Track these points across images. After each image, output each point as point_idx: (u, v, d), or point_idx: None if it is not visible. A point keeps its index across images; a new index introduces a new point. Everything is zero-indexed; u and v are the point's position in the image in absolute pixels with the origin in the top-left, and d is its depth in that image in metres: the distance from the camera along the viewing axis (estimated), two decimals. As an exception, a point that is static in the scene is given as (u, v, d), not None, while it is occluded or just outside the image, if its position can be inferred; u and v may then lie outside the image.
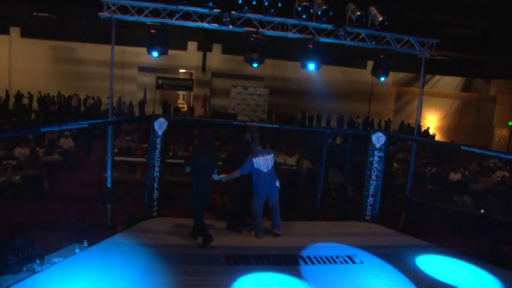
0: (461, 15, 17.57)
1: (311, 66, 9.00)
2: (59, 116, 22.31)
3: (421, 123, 24.54)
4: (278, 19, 8.62)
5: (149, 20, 8.40)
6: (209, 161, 7.25)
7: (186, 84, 27.20)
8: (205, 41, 26.39)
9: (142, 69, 26.60)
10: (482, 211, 10.29)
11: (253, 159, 7.44)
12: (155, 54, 8.42)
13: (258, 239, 7.60)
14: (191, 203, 7.21)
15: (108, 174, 8.21)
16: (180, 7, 8.19)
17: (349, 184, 10.59)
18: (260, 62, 8.82)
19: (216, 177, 7.31)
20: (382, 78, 9.54)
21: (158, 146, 8.25)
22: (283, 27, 8.77)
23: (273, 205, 7.74)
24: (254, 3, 8.26)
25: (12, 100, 24.65)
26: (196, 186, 7.12)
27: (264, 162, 7.49)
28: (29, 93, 24.63)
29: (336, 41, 8.99)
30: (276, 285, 6.02)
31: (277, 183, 7.75)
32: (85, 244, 6.99)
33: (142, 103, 26.15)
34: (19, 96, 24.45)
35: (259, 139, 7.74)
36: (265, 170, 7.49)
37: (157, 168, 8.29)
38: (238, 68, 25.68)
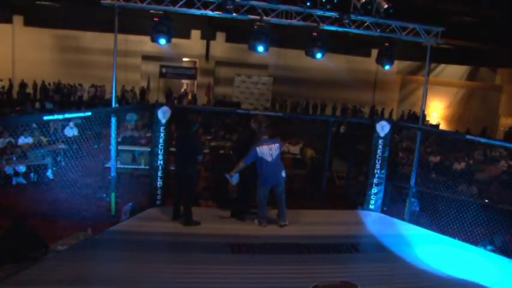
0: (467, 3, 17.36)
1: (316, 55, 8.92)
2: (63, 105, 22.33)
3: (426, 112, 24.42)
4: (282, 7, 8.53)
5: (152, 8, 8.33)
6: (189, 144, 7.43)
7: (189, 73, 27.14)
8: (209, 29, 26.28)
9: (146, 57, 26.54)
10: (486, 201, 10.24)
11: (257, 148, 7.43)
12: (162, 41, 8.36)
13: (262, 228, 7.60)
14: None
15: (112, 163, 8.22)
16: (183, -6, 8.13)
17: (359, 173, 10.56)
18: (264, 50, 8.77)
19: (230, 177, 7.45)
20: (387, 67, 9.47)
21: (162, 135, 8.24)
22: (287, 15, 8.68)
23: (278, 195, 7.71)
24: (258, -10, 8.20)
25: (16, 89, 24.68)
26: (175, 166, 7.65)
27: (268, 151, 7.46)
28: (34, 81, 24.68)
29: (340, 29, 8.90)
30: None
31: (283, 173, 7.72)
32: (89, 232, 7.03)
33: (143, 91, 26.15)
34: (23, 85, 24.48)
35: (266, 128, 7.72)
36: (269, 159, 7.46)
37: (160, 157, 8.28)
38: (242, 57, 25.59)
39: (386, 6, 8.61)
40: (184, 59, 28.60)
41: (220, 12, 8.35)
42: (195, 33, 27.12)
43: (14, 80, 24.81)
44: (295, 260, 6.41)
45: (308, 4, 8.47)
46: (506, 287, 6.19)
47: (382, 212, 9.13)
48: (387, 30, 9.06)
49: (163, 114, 8.21)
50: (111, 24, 8.16)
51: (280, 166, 7.68)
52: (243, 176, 7.85)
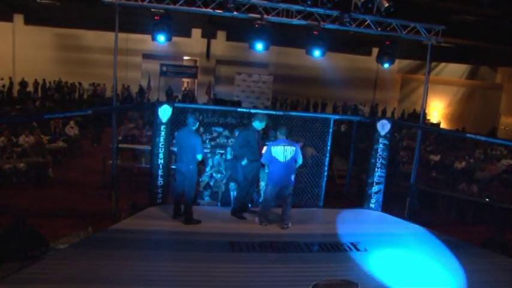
0: (468, 2, 17.34)
1: (316, 53, 8.93)
2: (63, 104, 22.36)
3: (426, 111, 24.41)
4: (283, 5, 8.53)
5: (153, 6, 8.33)
6: (187, 139, 7.39)
7: (190, 72, 27.13)
8: (210, 28, 26.27)
9: (147, 56, 26.55)
10: (487, 199, 10.25)
11: (271, 148, 7.41)
12: (163, 40, 8.36)
13: (263, 226, 7.60)
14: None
15: (113, 161, 8.23)
16: (184, -7, 8.13)
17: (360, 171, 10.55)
18: (264, 48, 8.77)
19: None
20: (387, 65, 9.47)
21: (162, 133, 8.23)
22: (288, 13, 8.68)
23: (284, 197, 7.66)
24: (258, -12, 8.20)
25: (16, 87, 24.71)
26: (175, 165, 7.68)
27: (282, 152, 7.41)
28: (36, 80, 24.72)
29: (341, 28, 8.89)
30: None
31: (293, 177, 7.66)
32: (89, 231, 7.04)
33: (142, 90, 26.15)
34: (23, 83, 24.50)
35: (286, 128, 7.71)
36: (281, 160, 7.40)
37: (161, 156, 8.27)
38: (242, 55, 25.60)
39: (387, 4, 8.60)
40: (185, 58, 28.62)
41: (221, 11, 8.36)
42: (196, 32, 27.13)
43: (14, 79, 24.84)
44: (296, 259, 6.41)
45: (309, 3, 8.47)
46: (503, 285, 6.19)
47: (383, 210, 9.12)
48: (388, 28, 9.05)
49: (163, 113, 8.20)
50: (111, 22, 8.17)
51: (291, 169, 7.59)
52: (243, 175, 7.84)
